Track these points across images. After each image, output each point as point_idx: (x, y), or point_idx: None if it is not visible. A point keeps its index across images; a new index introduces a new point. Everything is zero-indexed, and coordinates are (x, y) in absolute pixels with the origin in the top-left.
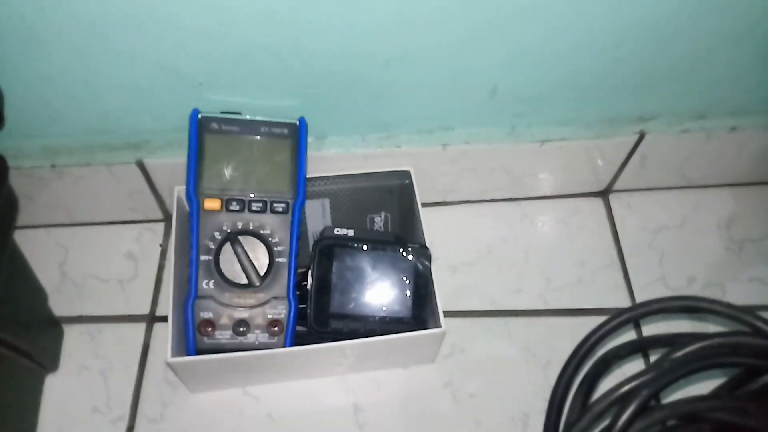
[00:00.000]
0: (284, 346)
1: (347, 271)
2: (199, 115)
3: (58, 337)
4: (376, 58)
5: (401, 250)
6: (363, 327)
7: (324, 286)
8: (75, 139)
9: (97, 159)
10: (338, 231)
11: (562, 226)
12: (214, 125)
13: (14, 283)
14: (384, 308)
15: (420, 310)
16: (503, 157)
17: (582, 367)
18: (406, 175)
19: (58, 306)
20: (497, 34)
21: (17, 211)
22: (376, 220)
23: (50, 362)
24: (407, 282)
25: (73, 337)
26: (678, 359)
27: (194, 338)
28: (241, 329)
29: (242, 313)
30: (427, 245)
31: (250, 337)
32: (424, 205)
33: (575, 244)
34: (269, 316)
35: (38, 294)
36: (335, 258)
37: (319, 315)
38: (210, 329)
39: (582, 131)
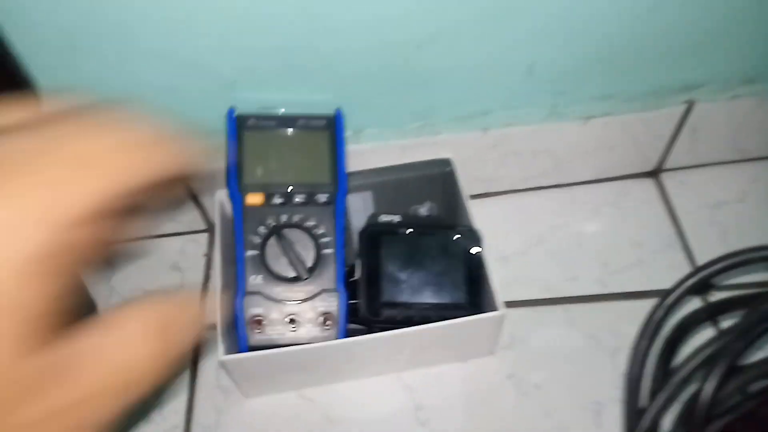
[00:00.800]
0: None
1: (396, 258)
2: (235, 113)
3: None
4: (407, 42)
5: (450, 234)
6: (417, 314)
7: (374, 274)
8: None
9: None
10: (384, 218)
11: (614, 209)
12: (252, 122)
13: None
14: (437, 294)
15: (475, 295)
16: (546, 138)
17: (659, 332)
18: (447, 162)
19: None
20: (528, 8)
21: None
22: (420, 210)
23: None
24: (459, 266)
25: None
26: (759, 316)
27: (245, 335)
28: (292, 324)
29: (292, 308)
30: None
31: (302, 332)
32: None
33: (630, 227)
34: (320, 309)
35: (90, 305)
36: (383, 246)
37: (371, 304)
38: (260, 325)
39: (626, 105)
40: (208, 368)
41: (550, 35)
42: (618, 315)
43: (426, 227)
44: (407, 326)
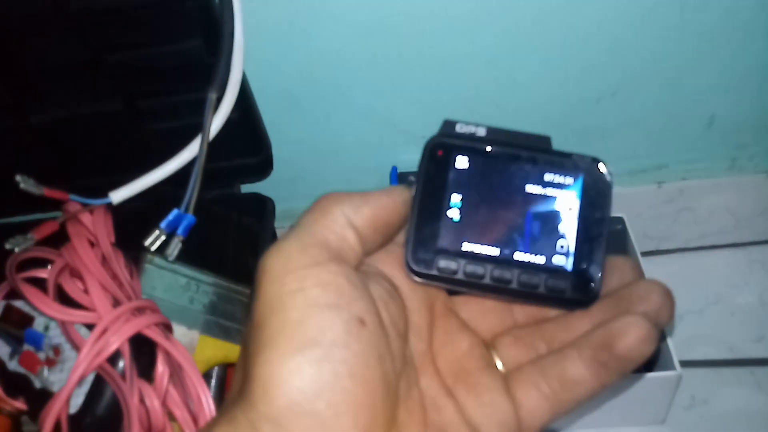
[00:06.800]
0: None
1: (470, 189)
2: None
3: None
4: (587, 96)
5: (561, 162)
6: (489, 274)
7: (432, 208)
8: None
9: None
10: (462, 127)
11: None
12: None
13: None
14: (527, 250)
15: (586, 260)
16: (724, 192)
17: None
18: (620, 221)
19: None
20: (712, 59)
21: None
22: None
23: None
24: (568, 212)
25: None
26: None
27: None
28: None
29: None
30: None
31: None
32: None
33: None
34: None
35: None
36: (452, 167)
37: (419, 250)
38: None
39: None
40: None
41: (734, 86)
42: None
43: (523, 148)
44: (473, 290)
